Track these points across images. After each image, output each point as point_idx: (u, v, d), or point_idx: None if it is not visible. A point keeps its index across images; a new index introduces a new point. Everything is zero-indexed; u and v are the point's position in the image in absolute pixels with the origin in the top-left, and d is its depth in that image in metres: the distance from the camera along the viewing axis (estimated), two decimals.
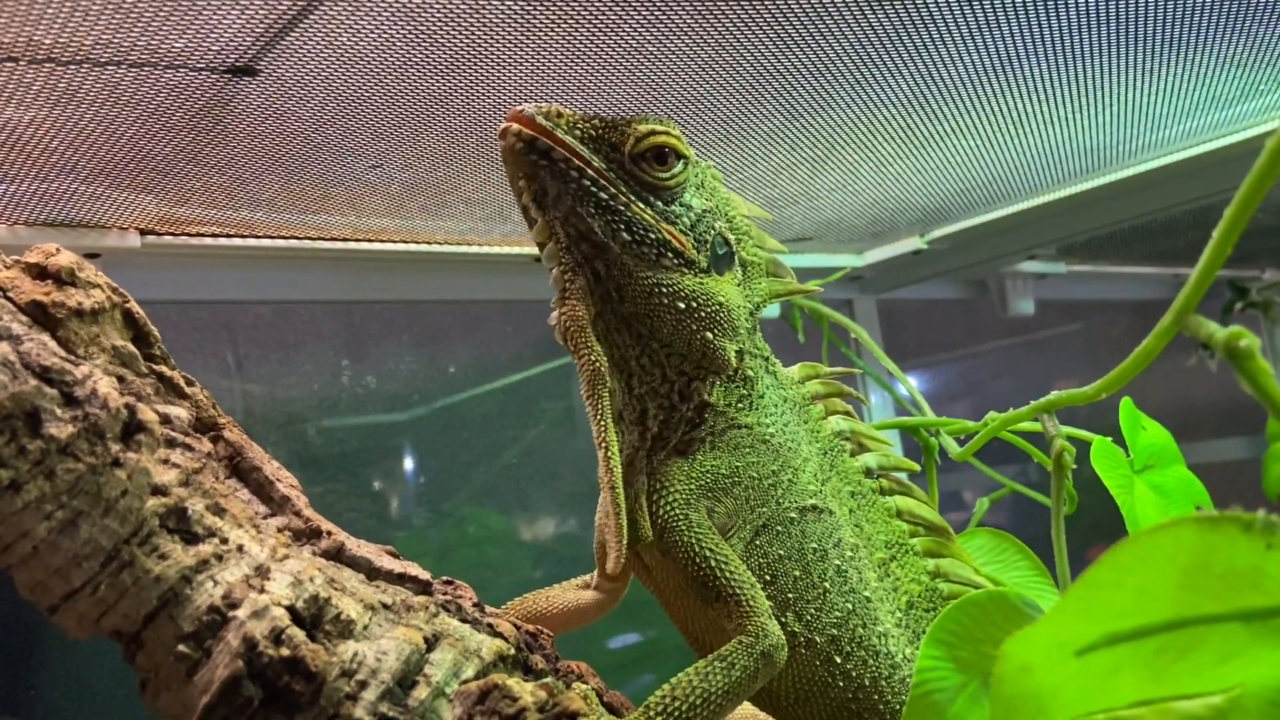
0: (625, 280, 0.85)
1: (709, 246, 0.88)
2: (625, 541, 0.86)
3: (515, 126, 0.82)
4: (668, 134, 0.86)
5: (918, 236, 1.98)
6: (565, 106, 0.85)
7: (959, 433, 1.13)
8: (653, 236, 0.85)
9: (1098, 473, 0.92)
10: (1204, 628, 0.43)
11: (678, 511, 0.86)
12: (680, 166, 0.86)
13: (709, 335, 0.87)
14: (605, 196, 0.83)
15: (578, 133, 0.83)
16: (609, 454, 0.86)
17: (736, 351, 0.90)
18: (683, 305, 0.86)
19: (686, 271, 0.86)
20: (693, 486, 0.88)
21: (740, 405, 0.92)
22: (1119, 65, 1.26)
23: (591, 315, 0.86)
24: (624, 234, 0.84)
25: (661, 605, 0.95)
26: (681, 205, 0.87)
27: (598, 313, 0.86)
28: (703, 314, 0.86)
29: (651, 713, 0.77)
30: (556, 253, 0.85)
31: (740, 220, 0.93)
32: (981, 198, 1.80)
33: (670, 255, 0.86)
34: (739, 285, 0.91)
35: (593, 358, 0.86)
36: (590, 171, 0.83)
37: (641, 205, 0.85)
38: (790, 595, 0.89)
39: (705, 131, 1.31)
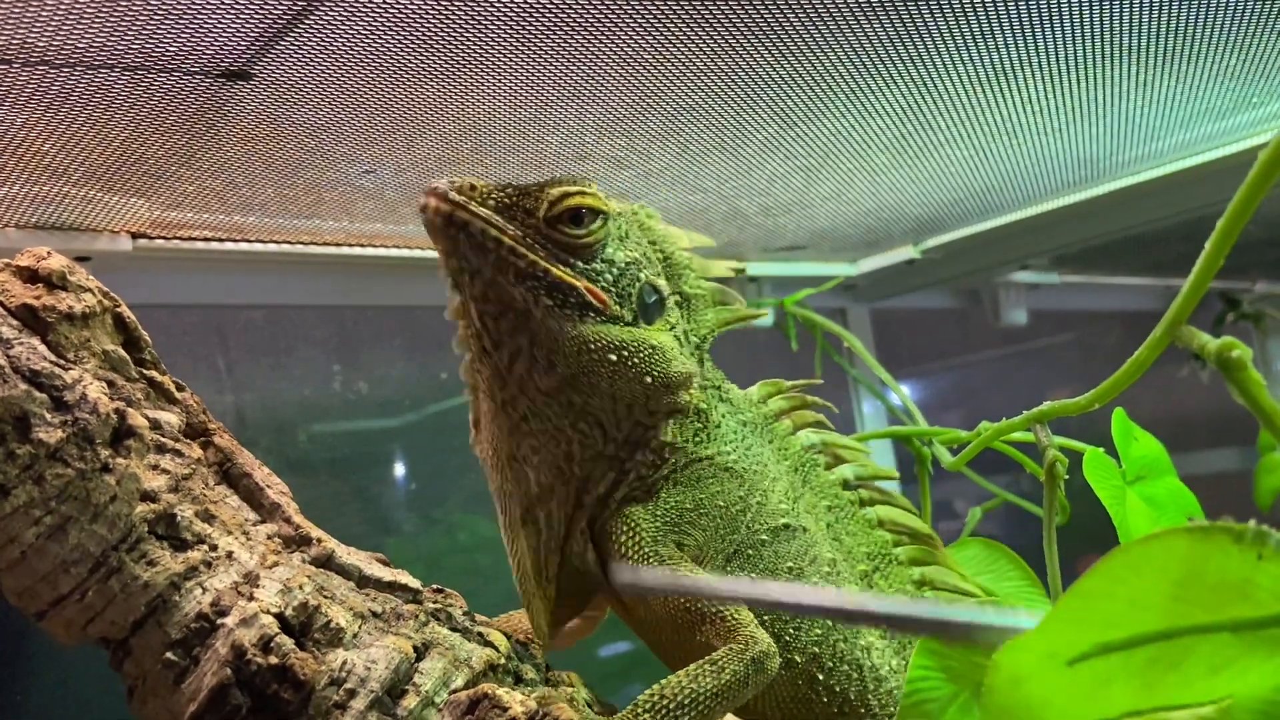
0: (553, 344, 0.85)
1: (634, 299, 0.89)
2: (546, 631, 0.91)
3: (433, 203, 0.82)
4: (581, 194, 0.86)
5: (911, 246, 1.99)
6: (479, 178, 0.86)
7: (952, 442, 1.13)
8: (574, 299, 0.85)
9: (1090, 483, 0.92)
10: (1195, 638, 0.43)
11: (647, 550, 0.87)
12: (598, 223, 0.87)
13: (648, 379, 0.87)
14: (523, 264, 0.84)
15: (491, 203, 0.84)
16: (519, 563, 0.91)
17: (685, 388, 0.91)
18: (614, 357, 0.86)
19: (613, 325, 0.87)
20: (659, 524, 0.89)
21: (697, 439, 0.92)
22: (1112, 77, 1.26)
23: (510, 448, 0.88)
24: (545, 299, 0.84)
25: (645, 641, 0.94)
26: (603, 261, 0.88)
27: (513, 396, 0.86)
28: (637, 359, 0.87)
29: (639, 710, 0.77)
30: (466, 337, 0.86)
31: (679, 256, 0.94)
32: (975, 208, 1.80)
33: (593, 314, 0.86)
34: (673, 329, 0.91)
35: (527, 486, 0.89)
36: (506, 240, 0.83)
37: (562, 268, 0.85)
38: (767, 616, 0.89)
39: (700, 138, 1.31)
